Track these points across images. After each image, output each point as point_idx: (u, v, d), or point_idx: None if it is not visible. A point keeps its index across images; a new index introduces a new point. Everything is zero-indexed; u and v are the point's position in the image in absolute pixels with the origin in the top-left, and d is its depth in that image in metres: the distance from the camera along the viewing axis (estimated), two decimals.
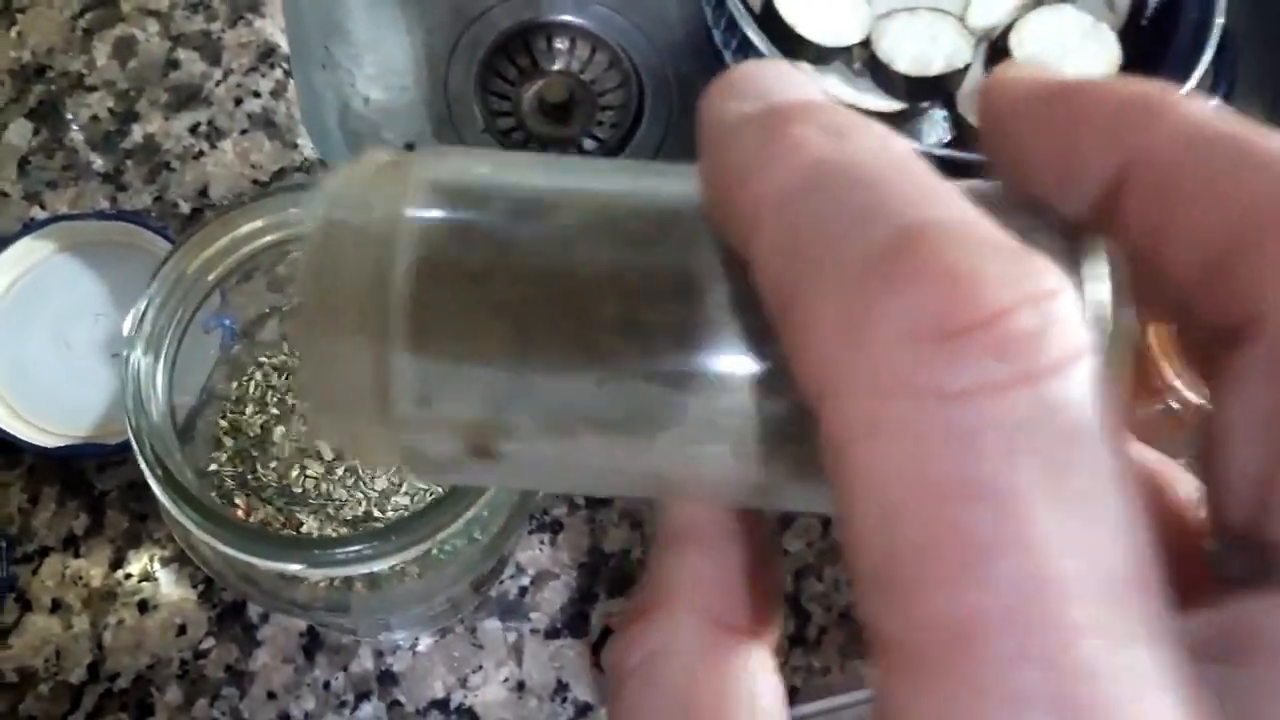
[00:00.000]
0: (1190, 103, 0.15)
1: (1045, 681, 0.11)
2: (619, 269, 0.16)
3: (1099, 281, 0.15)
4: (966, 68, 0.70)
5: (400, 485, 0.36)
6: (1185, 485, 0.19)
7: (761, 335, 0.16)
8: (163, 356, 0.28)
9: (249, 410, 0.36)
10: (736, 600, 0.19)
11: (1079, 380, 0.12)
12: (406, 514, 0.36)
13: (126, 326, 0.27)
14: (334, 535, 0.35)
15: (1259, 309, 0.14)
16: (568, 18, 0.80)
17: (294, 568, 0.26)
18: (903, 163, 0.14)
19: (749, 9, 0.68)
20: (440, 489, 0.37)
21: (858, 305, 0.12)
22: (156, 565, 0.44)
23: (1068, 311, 0.12)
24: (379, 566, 0.27)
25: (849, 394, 0.12)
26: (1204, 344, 0.16)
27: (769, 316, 0.14)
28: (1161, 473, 0.19)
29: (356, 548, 0.26)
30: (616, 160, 0.19)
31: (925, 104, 0.72)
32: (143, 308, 0.28)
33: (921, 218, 0.12)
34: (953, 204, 0.13)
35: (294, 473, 0.35)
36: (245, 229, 0.29)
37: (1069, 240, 0.16)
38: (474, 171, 0.17)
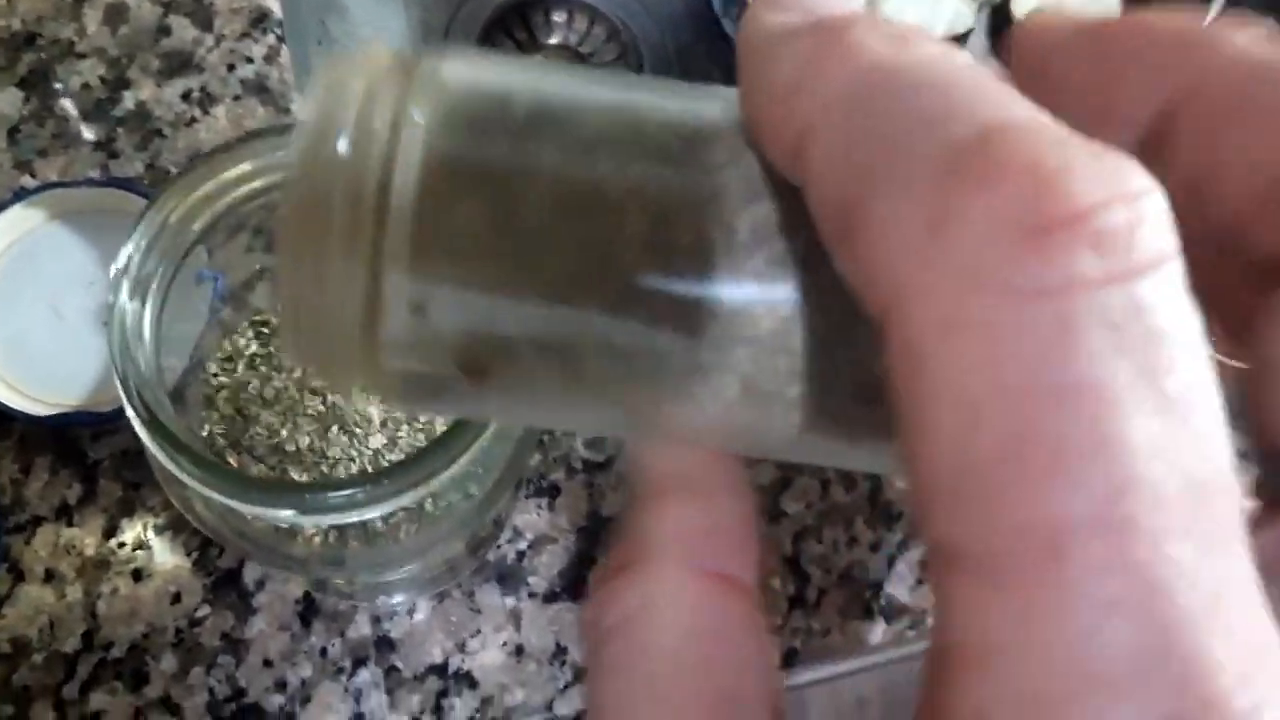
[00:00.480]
0: (1242, 33, 0.14)
1: (1132, 588, 0.10)
2: (645, 184, 0.15)
3: None
4: (969, 33, 0.70)
5: (395, 443, 0.36)
6: None
7: (797, 265, 0.15)
8: (149, 303, 0.28)
9: (240, 368, 0.36)
10: (726, 550, 0.18)
11: (1170, 282, 0.11)
12: None
13: (113, 269, 0.27)
14: (316, 481, 0.34)
15: None
16: None
17: (286, 513, 0.26)
18: (969, 68, 0.13)
19: None
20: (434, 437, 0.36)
21: (939, 203, 0.12)
22: (150, 534, 0.44)
23: (1159, 210, 0.11)
24: (372, 513, 0.27)
25: (931, 294, 0.12)
26: (1253, 279, 0.15)
27: (823, 234, 0.14)
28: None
29: (349, 492, 0.26)
30: (648, 76, 0.18)
31: None
32: (129, 250, 0.27)
33: (1002, 115, 0.12)
34: (1027, 105, 0.12)
35: (286, 431, 0.35)
36: (232, 173, 0.28)
37: None
38: (489, 76, 0.15)
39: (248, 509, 0.26)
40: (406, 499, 0.27)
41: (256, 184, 0.29)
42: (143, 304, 0.27)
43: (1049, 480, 0.11)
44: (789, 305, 0.15)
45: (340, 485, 0.26)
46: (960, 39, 0.70)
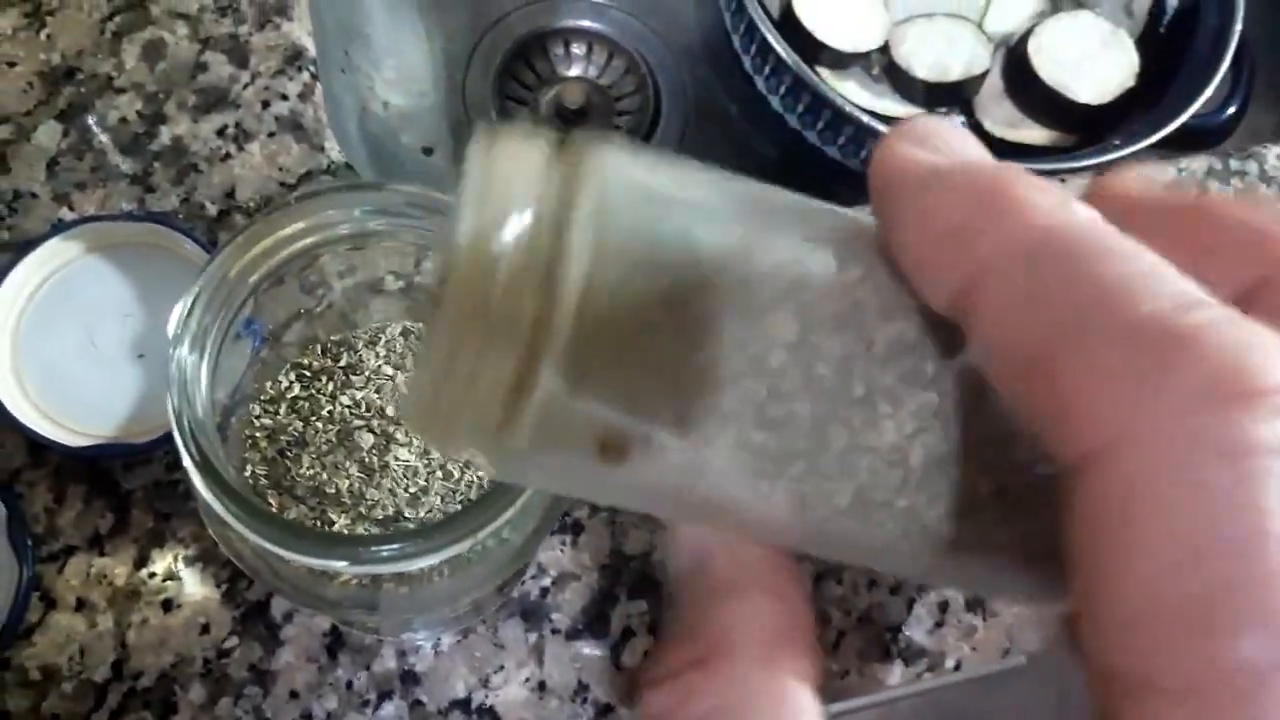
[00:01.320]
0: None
1: None
2: (793, 315, 0.15)
3: None
4: (985, 74, 0.71)
5: (430, 487, 0.36)
6: None
7: (930, 384, 0.16)
8: (206, 355, 0.29)
9: (282, 411, 0.36)
10: (798, 647, 0.19)
11: None
12: (437, 514, 0.36)
13: (172, 324, 0.28)
14: (368, 534, 0.35)
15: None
16: (585, 23, 0.81)
17: (337, 565, 0.27)
18: (1116, 233, 0.14)
19: (768, 14, 0.68)
20: (470, 492, 0.37)
21: (1153, 360, 0.13)
22: (180, 564, 0.45)
23: None
24: (419, 565, 0.27)
25: (1143, 444, 0.13)
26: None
27: (994, 371, 0.15)
28: None
29: (398, 546, 0.26)
30: (783, 192, 0.18)
31: (943, 110, 0.72)
32: (189, 304, 0.28)
33: (1171, 291, 0.13)
34: (1180, 278, 0.14)
35: (326, 474, 0.35)
36: (288, 230, 0.29)
37: None
38: (645, 177, 0.16)
39: (298, 559, 0.27)
40: (453, 551, 0.28)
41: (309, 240, 0.30)
42: (200, 355, 0.28)
43: (1255, 624, 0.12)
44: (913, 421, 0.16)
45: (391, 539, 0.27)
46: (977, 80, 0.71)
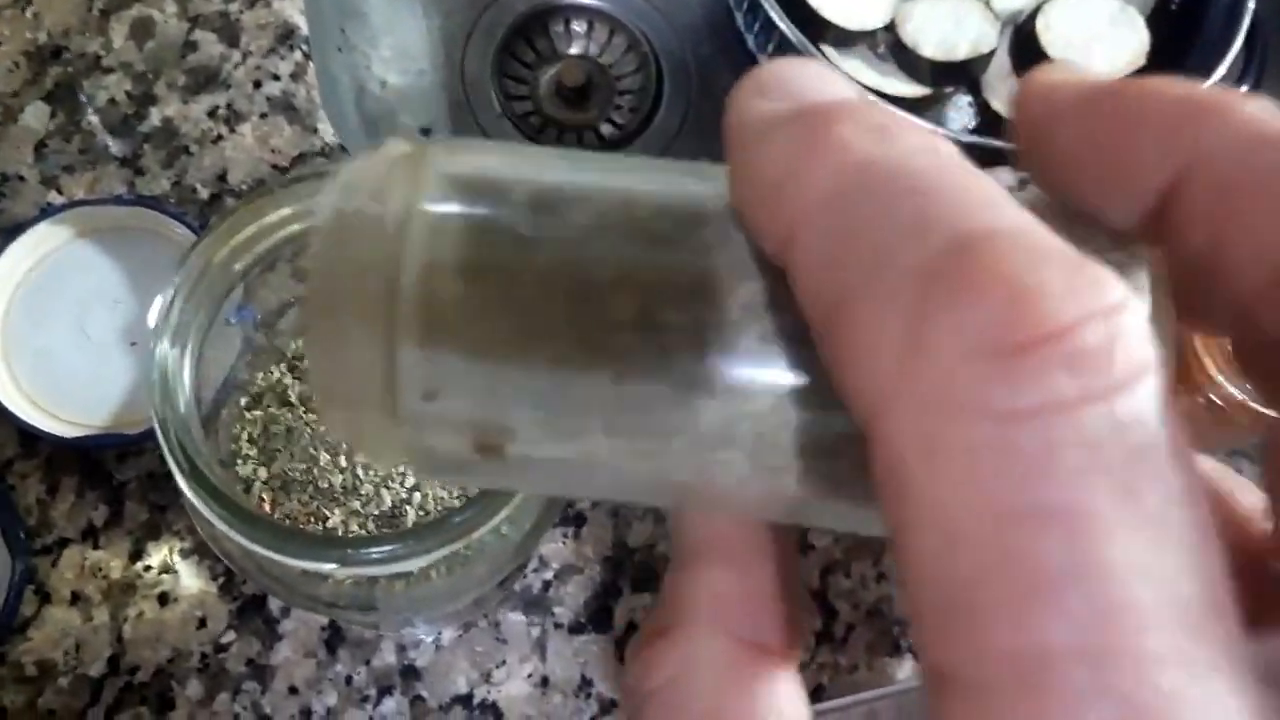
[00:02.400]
0: (1253, 102, 0.14)
1: (1121, 717, 0.10)
2: (638, 266, 0.15)
3: (1139, 293, 0.15)
4: (992, 53, 0.69)
5: (426, 482, 0.35)
6: (1248, 495, 0.18)
7: (789, 342, 0.15)
8: (188, 348, 0.28)
9: (272, 404, 0.35)
10: (762, 618, 0.18)
11: (1148, 396, 0.11)
12: (436, 506, 0.35)
13: (152, 318, 0.27)
14: (363, 533, 0.34)
15: None
16: (586, 0, 0.79)
17: (327, 567, 0.26)
18: (953, 165, 0.13)
19: None
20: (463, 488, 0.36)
21: (915, 319, 0.11)
22: (176, 557, 0.44)
23: (1135, 324, 0.11)
24: (412, 566, 0.27)
25: (907, 413, 0.12)
26: (1267, 356, 0.15)
27: (809, 325, 0.14)
28: (1222, 482, 0.19)
29: (389, 547, 0.26)
30: (638, 157, 0.18)
31: (950, 89, 0.71)
32: (169, 298, 0.27)
33: (979, 225, 0.12)
34: (1008, 211, 0.12)
35: (319, 467, 0.35)
36: (273, 217, 0.28)
37: (1111, 247, 0.15)
38: (491, 164, 0.16)
39: (288, 561, 0.26)
40: (446, 551, 0.27)
41: (297, 226, 0.29)
42: (182, 351, 0.27)
43: (1031, 607, 0.11)
44: (785, 380, 0.15)
45: (383, 541, 0.26)
46: (984, 59, 0.69)
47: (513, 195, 0.16)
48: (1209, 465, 0.19)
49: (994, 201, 0.12)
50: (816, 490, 0.16)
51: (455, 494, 0.36)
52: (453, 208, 0.15)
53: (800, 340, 0.15)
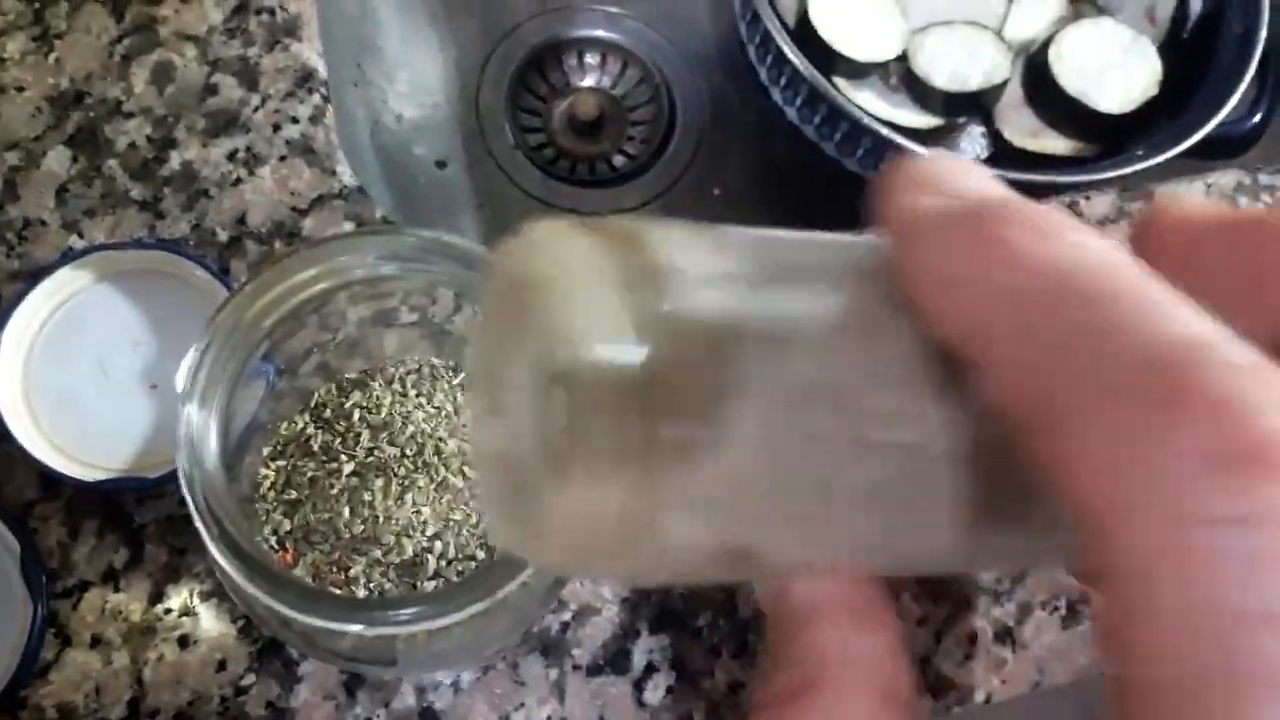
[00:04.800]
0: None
1: None
2: (861, 386, 0.15)
3: None
4: (1005, 83, 0.70)
5: (448, 529, 0.36)
6: None
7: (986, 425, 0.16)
8: (214, 408, 0.28)
9: (295, 455, 0.36)
10: (897, 674, 0.19)
11: None
12: (459, 558, 0.35)
13: (179, 382, 0.27)
14: (385, 581, 0.35)
15: None
16: (599, 33, 0.80)
17: (353, 629, 0.26)
18: (1126, 269, 0.14)
19: (784, 23, 0.67)
20: (483, 531, 0.36)
21: (1137, 431, 0.13)
22: (196, 600, 0.44)
23: None
24: (439, 625, 0.27)
25: (1138, 522, 0.13)
26: None
27: (1013, 422, 0.14)
28: None
29: (416, 609, 0.26)
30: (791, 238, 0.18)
31: (963, 119, 0.71)
32: (197, 360, 0.27)
33: (1175, 337, 0.13)
34: (1192, 317, 0.13)
35: (342, 517, 0.35)
36: (299, 277, 0.28)
37: None
38: (715, 300, 0.15)
39: (312, 621, 0.26)
40: (475, 609, 0.27)
41: (323, 285, 0.29)
42: (210, 412, 0.28)
43: (1260, 701, 0.12)
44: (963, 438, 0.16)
45: (407, 602, 0.26)
46: (997, 89, 0.70)
47: (743, 338, 0.15)
48: None
49: (1174, 306, 0.13)
50: (965, 536, 0.17)
51: (477, 542, 0.36)
52: (685, 352, 0.14)
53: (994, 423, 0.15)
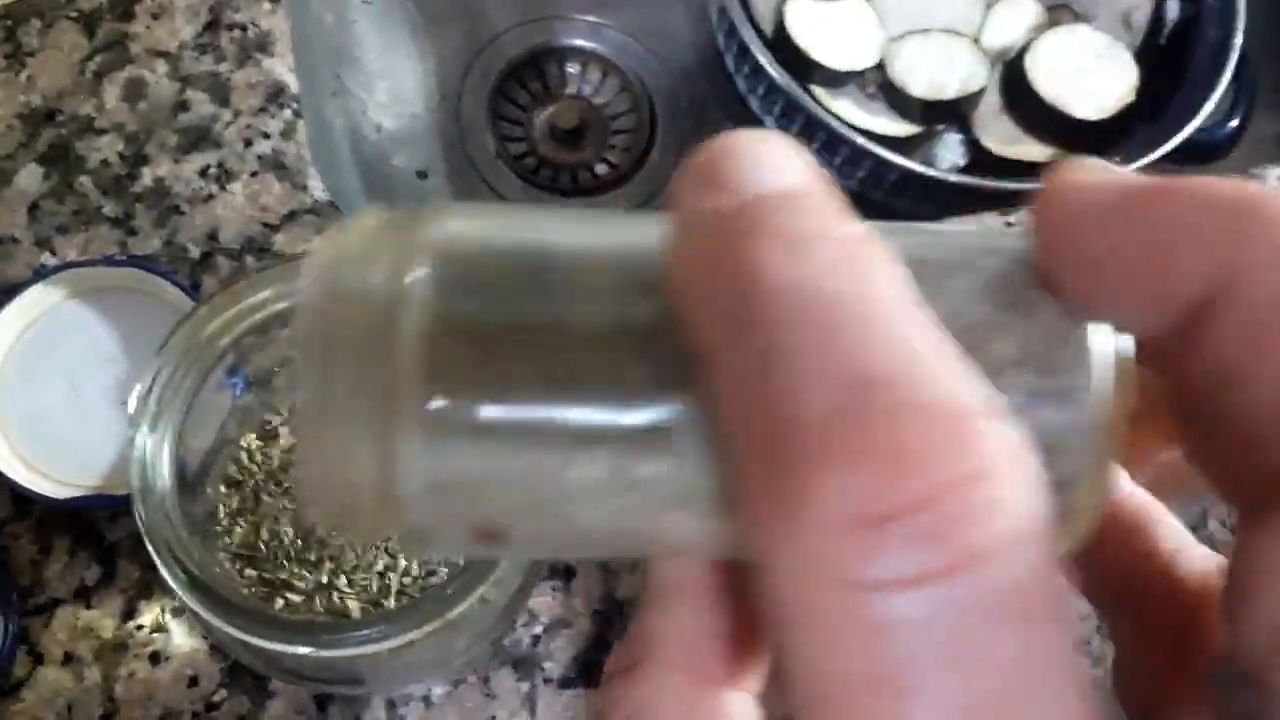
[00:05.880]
0: None
1: None
2: (615, 344, 0.15)
3: (1099, 372, 0.15)
4: (982, 90, 0.70)
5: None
6: (1169, 532, 0.19)
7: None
8: (169, 431, 0.28)
9: (258, 473, 0.36)
10: (717, 654, 0.18)
11: (999, 572, 0.11)
12: (423, 574, 0.35)
13: (131, 404, 0.27)
14: (351, 593, 0.35)
15: None
16: (580, 42, 0.80)
17: (302, 651, 0.26)
18: (861, 284, 0.13)
19: (760, 33, 0.67)
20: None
21: (790, 481, 0.12)
22: (168, 616, 0.44)
23: (1004, 492, 0.11)
24: (391, 645, 0.27)
25: (781, 571, 0.12)
26: (1254, 487, 0.15)
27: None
28: (1144, 515, 0.19)
29: (367, 630, 0.26)
30: (617, 216, 0.18)
31: (940, 127, 0.71)
32: (148, 385, 0.27)
33: (867, 372, 0.12)
34: (905, 346, 0.12)
35: (306, 534, 0.35)
36: (251, 299, 0.28)
37: (1061, 322, 0.15)
38: (477, 234, 0.16)
39: (265, 644, 0.26)
40: (428, 629, 0.27)
41: (279, 306, 0.29)
42: (163, 435, 0.28)
43: None
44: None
45: (359, 625, 0.26)
46: (974, 96, 0.70)
47: (497, 271, 0.15)
48: (1140, 494, 0.19)
49: (893, 332, 0.12)
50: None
51: (440, 559, 0.36)
52: (438, 286, 0.15)
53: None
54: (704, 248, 0.14)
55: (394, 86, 0.78)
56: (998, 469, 0.11)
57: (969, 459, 0.11)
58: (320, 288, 0.15)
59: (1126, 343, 0.15)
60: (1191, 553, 0.19)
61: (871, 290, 0.13)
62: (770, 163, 0.14)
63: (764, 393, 0.12)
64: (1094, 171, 0.15)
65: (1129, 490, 0.20)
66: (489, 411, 0.15)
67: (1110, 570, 0.19)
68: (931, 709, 0.11)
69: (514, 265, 0.15)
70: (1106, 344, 0.15)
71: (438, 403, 0.14)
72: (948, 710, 0.11)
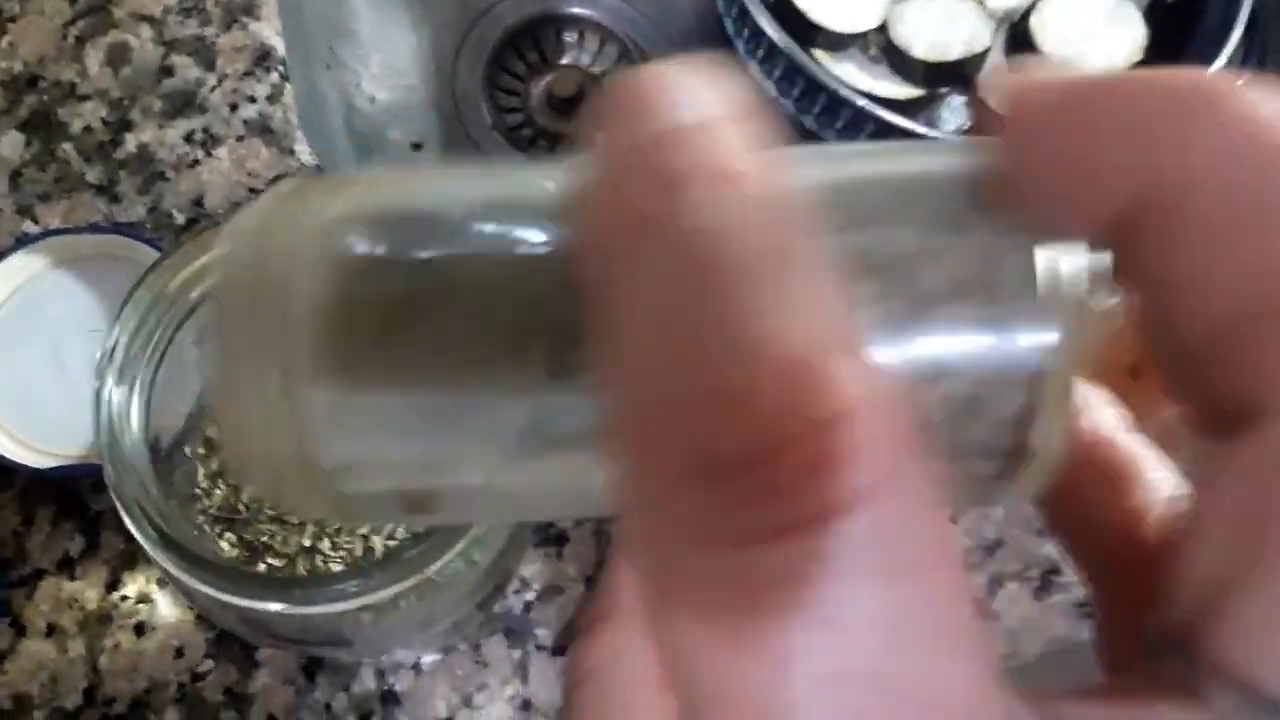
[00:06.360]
0: (1245, 101, 0.12)
1: None
2: (509, 299, 0.15)
3: (1050, 294, 0.14)
4: (986, 52, 0.68)
5: None
6: (1155, 484, 0.17)
7: None
8: (138, 384, 0.27)
9: None
10: None
11: (854, 526, 0.10)
12: (406, 535, 0.34)
13: (97, 357, 0.26)
14: (336, 555, 0.34)
15: (1260, 399, 0.12)
16: (576, 10, 0.79)
17: (274, 608, 0.25)
18: (729, 222, 0.11)
19: None
20: None
21: (648, 433, 0.11)
22: (153, 586, 0.43)
23: (858, 441, 0.10)
24: (367, 602, 0.26)
25: (634, 522, 0.11)
26: (1206, 418, 0.14)
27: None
28: (1130, 466, 0.18)
29: (340, 586, 0.25)
30: (520, 167, 0.18)
31: (944, 90, 0.70)
32: (114, 336, 0.27)
33: (722, 321, 0.11)
34: (768, 290, 0.11)
35: None
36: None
37: (1005, 239, 0.14)
38: (369, 195, 0.16)
39: (237, 601, 0.25)
40: (401, 587, 0.26)
41: None
42: (130, 388, 0.27)
43: None
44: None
45: (333, 579, 0.25)
46: (978, 58, 0.68)
47: (389, 231, 0.15)
48: (1132, 444, 0.18)
49: (755, 272, 0.11)
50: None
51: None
52: (330, 250, 0.15)
53: None
54: (596, 188, 0.13)
55: (388, 58, 0.77)
56: (850, 415, 0.10)
57: (818, 406, 0.10)
58: (226, 264, 0.15)
59: (1098, 262, 0.14)
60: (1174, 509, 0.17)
61: (746, 233, 0.11)
62: (679, 95, 0.13)
63: (631, 337, 0.11)
64: (1049, 72, 0.14)
65: (1118, 437, 0.18)
66: (380, 386, 0.14)
67: (1085, 522, 0.18)
68: (804, 677, 0.10)
69: (404, 231, 0.15)
70: (1067, 265, 0.14)
71: (329, 382, 0.14)
72: (820, 679, 0.10)
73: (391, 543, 0.34)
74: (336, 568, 0.34)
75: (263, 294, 0.14)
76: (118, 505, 0.26)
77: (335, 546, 0.34)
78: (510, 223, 0.15)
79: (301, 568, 0.34)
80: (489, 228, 0.15)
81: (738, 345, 0.11)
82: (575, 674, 0.18)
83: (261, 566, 0.34)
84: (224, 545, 0.34)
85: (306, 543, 0.34)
